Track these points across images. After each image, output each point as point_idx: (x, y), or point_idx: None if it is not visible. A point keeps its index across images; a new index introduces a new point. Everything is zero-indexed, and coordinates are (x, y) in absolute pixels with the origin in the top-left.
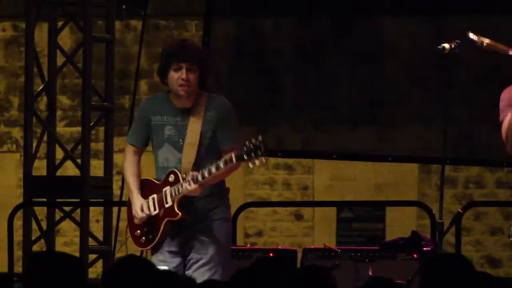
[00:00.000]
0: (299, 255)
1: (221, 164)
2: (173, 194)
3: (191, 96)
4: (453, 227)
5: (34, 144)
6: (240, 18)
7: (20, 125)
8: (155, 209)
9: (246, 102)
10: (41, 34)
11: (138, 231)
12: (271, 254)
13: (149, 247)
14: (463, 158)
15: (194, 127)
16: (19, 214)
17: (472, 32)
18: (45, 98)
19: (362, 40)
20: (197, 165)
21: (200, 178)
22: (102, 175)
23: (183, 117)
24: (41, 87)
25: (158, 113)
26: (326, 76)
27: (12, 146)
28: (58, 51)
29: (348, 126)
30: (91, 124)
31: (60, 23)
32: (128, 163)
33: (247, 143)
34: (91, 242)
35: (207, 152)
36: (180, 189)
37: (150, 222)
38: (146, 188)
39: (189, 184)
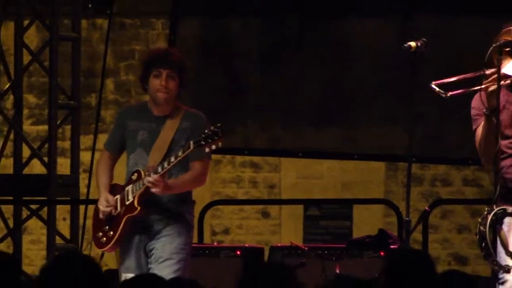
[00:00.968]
0: (266, 253)
1: (180, 153)
2: (134, 191)
3: (170, 104)
4: (420, 225)
5: (1, 143)
6: (207, 18)
7: None
8: (116, 209)
9: (212, 101)
10: (7, 32)
11: (100, 233)
12: (238, 252)
13: (109, 245)
14: (429, 157)
15: (166, 134)
16: None
17: (434, 83)
18: (11, 97)
19: (329, 41)
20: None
21: (159, 169)
22: (69, 173)
23: (158, 124)
24: (7, 86)
25: (135, 119)
26: (293, 76)
27: None
28: (24, 50)
29: (315, 125)
30: (58, 123)
31: (26, 22)
32: (101, 165)
33: (206, 131)
34: (58, 240)
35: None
36: (141, 185)
37: (112, 221)
38: (113, 192)
39: (150, 176)
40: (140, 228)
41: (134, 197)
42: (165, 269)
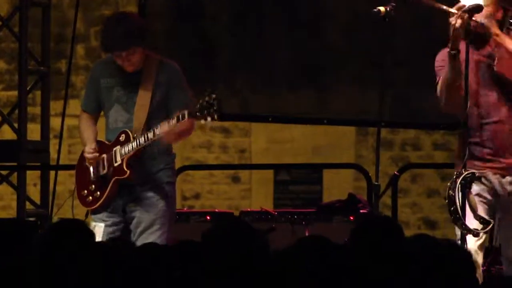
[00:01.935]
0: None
1: (173, 121)
2: (123, 153)
3: (140, 64)
4: (389, 189)
5: None
6: None
7: None
8: (104, 169)
9: (183, 65)
10: None
11: (85, 191)
12: (208, 217)
13: (96, 206)
14: (399, 121)
15: (146, 89)
16: None
17: None
18: None
19: (300, 4)
20: (148, 126)
21: (150, 135)
22: (39, 139)
23: (133, 79)
24: None
25: (108, 76)
26: (263, 40)
27: None
28: None
29: (285, 90)
30: (28, 88)
31: None
32: (82, 124)
33: (200, 100)
34: (28, 206)
35: (158, 113)
36: (130, 147)
37: (99, 181)
38: (98, 149)
39: (139, 142)
40: (121, 191)
41: (122, 160)
42: (149, 237)
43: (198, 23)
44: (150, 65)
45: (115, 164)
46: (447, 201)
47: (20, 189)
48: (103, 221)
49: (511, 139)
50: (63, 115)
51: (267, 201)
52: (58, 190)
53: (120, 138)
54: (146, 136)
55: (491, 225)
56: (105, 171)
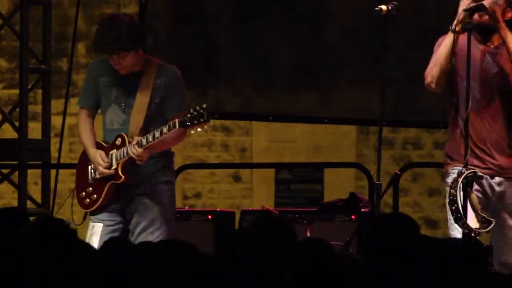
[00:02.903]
0: (237, 217)
1: (165, 129)
2: (118, 157)
3: (136, 66)
4: (390, 188)
5: None
6: None
7: None
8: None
9: (184, 65)
10: None
11: (83, 193)
12: (209, 216)
13: (92, 209)
14: (400, 120)
15: (144, 93)
16: None
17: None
18: None
19: (300, 4)
20: (145, 130)
21: (144, 142)
22: (40, 137)
23: (131, 80)
24: None
25: (106, 75)
26: (265, 40)
27: None
28: None
29: (286, 89)
30: (29, 87)
31: None
32: (81, 125)
33: (191, 110)
34: (29, 204)
35: (155, 118)
36: (125, 152)
37: (96, 184)
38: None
39: (134, 148)
40: (120, 192)
41: (118, 165)
42: (148, 237)
43: (199, 23)
44: (150, 69)
45: (111, 169)
46: (448, 200)
47: (21, 187)
48: (102, 221)
49: (502, 139)
50: (64, 113)
51: (268, 200)
52: (59, 188)
53: (117, 142)
54: (139, 143)
55: (493, 224)
56: (107, 174)
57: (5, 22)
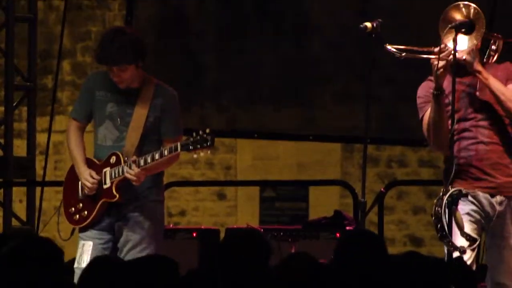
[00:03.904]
0: (222, 234)
1: (165, 152)
2: (113, 176)
3: (134, 82)
4: (375, 206)
5: None
6: None
7: None
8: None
9: (169, 82)
10: None
11: (72, 209)
12: (194, 234)
13: (82, 225)
14: (385, 138)
15: (140, 111)
16: None
17: (389, 44)
18: None
19: (286, 19)
20: (140, 149)
21: (142, 162)
22: (25, 155)
23: (128, 97)
24: None
25: (103, 89)
26: (249, 56)
27: None
28: None
29: (271, 106)
30: (14, 104)
31: None
32: (72, 137)
33: (194, 134)
34: (14, 222)
35: (149, 137)
36: (120, 171)
37: (86, 201)
38: (90, 168)
39: (130, 168)
40: (109, 209)
41: (112, 183)
42: (137, 255)
43: (184, 40)
44: (148, 87)
45: (104, 187)
46: (433, 218)
47: (6, 205)
48: (92, 239)
49: (501, 159)
50: (49, 131)
51: (253, 218)
52: (44, 206)
53: (111, 160)
54: (137, 163)
55: (478, 242)
56: (93, 192)
57: None
